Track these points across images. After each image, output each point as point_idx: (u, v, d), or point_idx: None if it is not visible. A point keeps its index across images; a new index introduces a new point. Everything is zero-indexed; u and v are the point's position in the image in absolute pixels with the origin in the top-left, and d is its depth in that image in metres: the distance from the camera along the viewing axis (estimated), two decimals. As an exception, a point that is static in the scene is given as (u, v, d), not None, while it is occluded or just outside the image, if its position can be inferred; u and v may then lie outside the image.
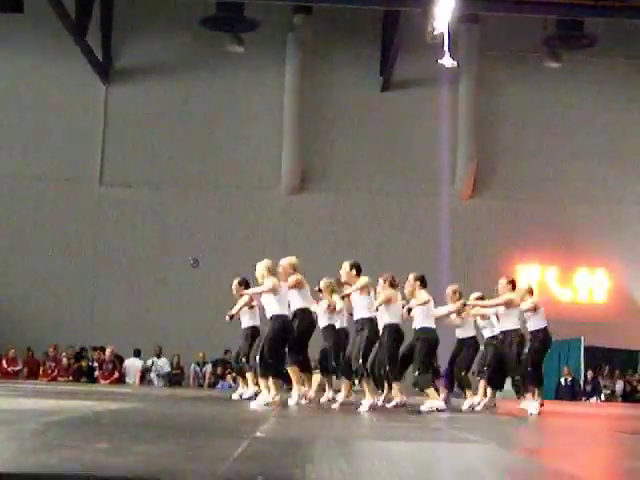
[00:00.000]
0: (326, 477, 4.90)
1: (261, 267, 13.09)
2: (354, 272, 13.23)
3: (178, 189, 28.14)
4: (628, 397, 25.72)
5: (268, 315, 12.92)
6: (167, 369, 26.13)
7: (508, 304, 13.79)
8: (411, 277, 13.44)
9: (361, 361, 12.96)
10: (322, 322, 14.80)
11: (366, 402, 12.60)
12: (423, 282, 13.45)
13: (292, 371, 13.06)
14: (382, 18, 27.91)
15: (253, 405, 12.52)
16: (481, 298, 14.99)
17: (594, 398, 25.17)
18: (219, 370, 26.03)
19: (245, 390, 16.25)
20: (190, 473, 4.88)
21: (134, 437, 6.94)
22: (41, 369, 25.82)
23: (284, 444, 6.93)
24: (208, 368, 26.16)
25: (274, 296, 12.79)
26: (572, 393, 24.98)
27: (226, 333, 25.58)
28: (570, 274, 28.66)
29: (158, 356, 26.14)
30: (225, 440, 7.02)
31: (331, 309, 14.73)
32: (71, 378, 25.17)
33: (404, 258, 27.28)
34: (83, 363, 25.74)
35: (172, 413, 11.08)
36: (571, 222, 28.29)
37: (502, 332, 14.15)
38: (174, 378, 26.12)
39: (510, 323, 13.88)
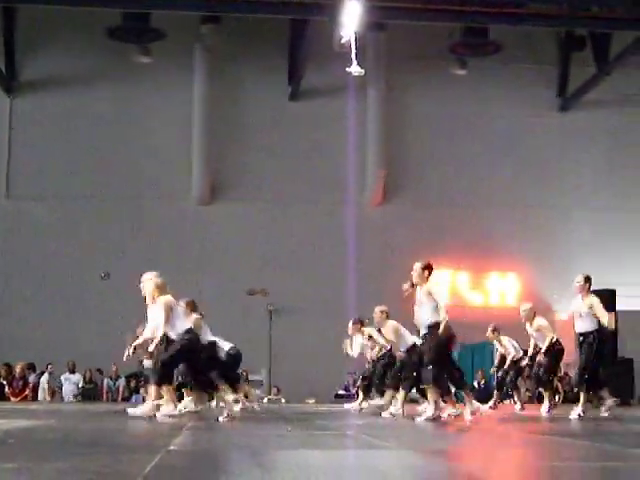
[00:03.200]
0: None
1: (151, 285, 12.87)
2: None
3: (87, 201, 27.74)
4: (543, 399, 25.91)
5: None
6: (80, 384, 25.80)
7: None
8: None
9: None
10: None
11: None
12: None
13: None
14: (290, 27, 27.92)
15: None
16: None
17: (508, 401, 25.38)
18: (133, 383, 25.78)
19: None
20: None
21: (44, 455, 6.80)
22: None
23: (198, 457, 6.85)
24: (121, 382, 25.89)
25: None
26: (486, 396, 25.15)
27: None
28: (481, 278, 28.97)
29: (72, 371, 25.78)
30: (138, 455, 6.91)
31: None
32: (-21, 397, 24.62)
33: (316, 266, 27.37)
34: (-9, 380, 25.22)
35: (84, 429, 10.90)
36: (482, 227, 28.59)
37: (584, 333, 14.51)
38: (87, 393, 25.80)
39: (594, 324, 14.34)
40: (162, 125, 28.27)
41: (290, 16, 26.43)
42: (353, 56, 17.48)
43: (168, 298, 12.71)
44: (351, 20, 17.22)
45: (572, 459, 7.23)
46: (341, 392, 25.84)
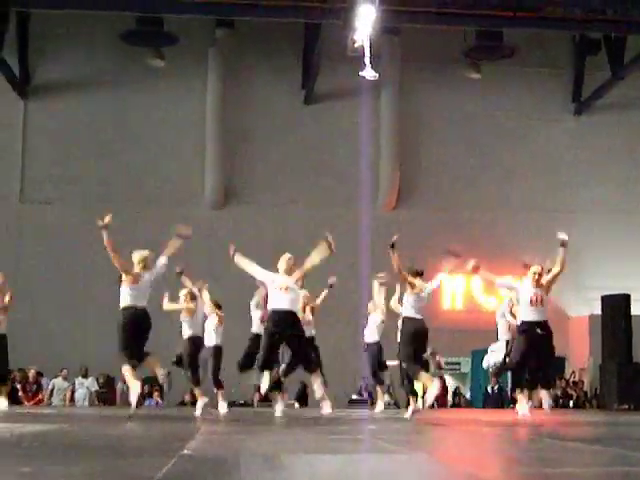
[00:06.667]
0: (254, 494, 4.82)
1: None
2: None
3: (101, 206, 27.64)
4: (557, 403, 25.88)
5: None
6: (94, 388, 25.81)
7: None
8: None
9: None
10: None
11: None
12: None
13: None
14: (303, 31, 27.94)
15: None
16: None
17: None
18: (146, 388, 25.75)
19: None
20: (114, 494, 4.76)
21: (57, 459, 6.78)
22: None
23: (212, 461, 6.81)
24: (135, 386, 25.86)
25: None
26: (500, 401, 25.07)
27: (155, 351, 25.41)
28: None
29: (84, 376, 25.80)
30: (151, 459, 6.88)
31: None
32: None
33: (328, 271, 27.28)
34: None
35: (98, 433, 10.88)
36: (496, 231, 28.52)
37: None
38: (102, 397, 25.81)
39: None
40: (175, 129, 28.30)
41: (304, 20, 26.44)
42: (367, 60, 17.50)
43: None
44: (365, 24, 17.24)
45: (593, 465, 7.19)
46: (355, 397, 25.72)
